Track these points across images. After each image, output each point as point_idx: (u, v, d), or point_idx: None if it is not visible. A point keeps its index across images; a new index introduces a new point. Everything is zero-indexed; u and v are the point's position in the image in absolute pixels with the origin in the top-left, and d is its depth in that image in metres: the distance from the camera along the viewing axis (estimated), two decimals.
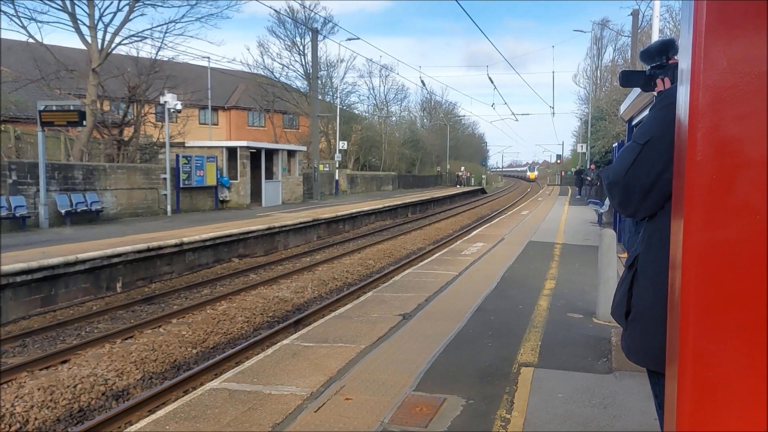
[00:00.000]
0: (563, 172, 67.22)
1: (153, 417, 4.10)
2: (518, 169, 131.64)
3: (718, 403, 1.33)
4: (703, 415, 1.34)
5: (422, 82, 54.51)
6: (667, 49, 2.19)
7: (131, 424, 4.55)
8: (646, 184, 1.88)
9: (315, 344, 5.69)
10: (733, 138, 1.31)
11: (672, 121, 1.54)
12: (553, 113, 46.19)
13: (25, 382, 6.17)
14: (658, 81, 2.23)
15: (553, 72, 70.63)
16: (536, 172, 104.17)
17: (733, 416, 1.32)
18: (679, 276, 1.38)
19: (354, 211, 21.88)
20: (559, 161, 68.49)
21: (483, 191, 57.58)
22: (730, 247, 1.31)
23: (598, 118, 37.92)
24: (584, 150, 39.76)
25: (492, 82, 34.23)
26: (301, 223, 17.48)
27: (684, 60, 1.45)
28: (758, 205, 1.29)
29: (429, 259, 11.68)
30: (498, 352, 5.41)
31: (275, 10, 52.19)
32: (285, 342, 5.90)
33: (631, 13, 24.03)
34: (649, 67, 2.30)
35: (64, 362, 6.88)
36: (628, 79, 2.37)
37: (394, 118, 57.32)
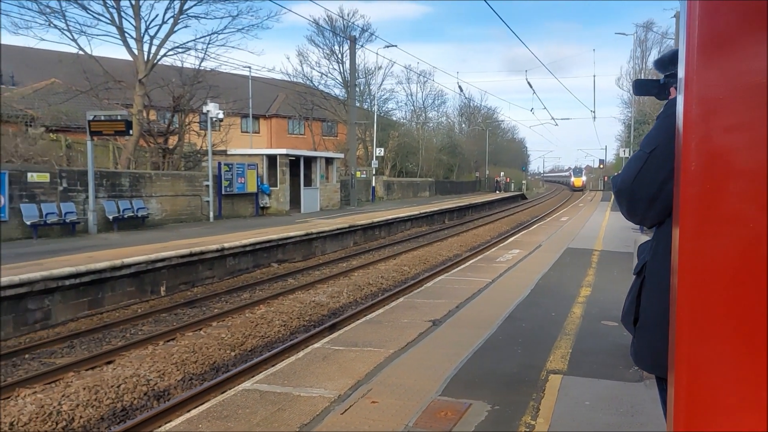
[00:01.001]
0: (606, 177, 65.83)
1: (187, 416, 4.27)
2: (561, 174, 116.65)
3: (711, 408, 1.36)
4: (697, 419, 1.37)
5: (459, 87, 54.45)
6: None
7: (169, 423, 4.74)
8: (651, 192, 1.89)
9: (345, 348, 5.80)
10: (724, 148, 1.35)
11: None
12: (594, 117, 45.48)
13: (71, 382, 6.47)
14: (672, 89, 2.25)
15: (594, 75, 69.46)
16: (584, 178, 73.82)
17: (725, 421, 1.35)
18: (676, 283, 1.43)
19: (390, 217, 22.00)
20: (602, 166, 67.15)
21: (523, 197, 56.96)
22: (721, 255, 1.34)
23: (642, 122, 37.10)
24: (627, 154, 38.91)
25: (531, 87, 33.95)
26: (338, 229, 17.69)
27: (680, 71, 1.50)
28: (746, 214, 1.32)
29: (463, 266, 11.67)
30: (527, 359, 5.41)
31: (314, 20, 52.87)
32: (316, 345, 6.04)
33: (675, 15, 23.48)
34: (663, 76, 2.31)
35: (109, 363, 7.19)
36: (642, 87, 2.38)
37: (431, 124, 57.29)
